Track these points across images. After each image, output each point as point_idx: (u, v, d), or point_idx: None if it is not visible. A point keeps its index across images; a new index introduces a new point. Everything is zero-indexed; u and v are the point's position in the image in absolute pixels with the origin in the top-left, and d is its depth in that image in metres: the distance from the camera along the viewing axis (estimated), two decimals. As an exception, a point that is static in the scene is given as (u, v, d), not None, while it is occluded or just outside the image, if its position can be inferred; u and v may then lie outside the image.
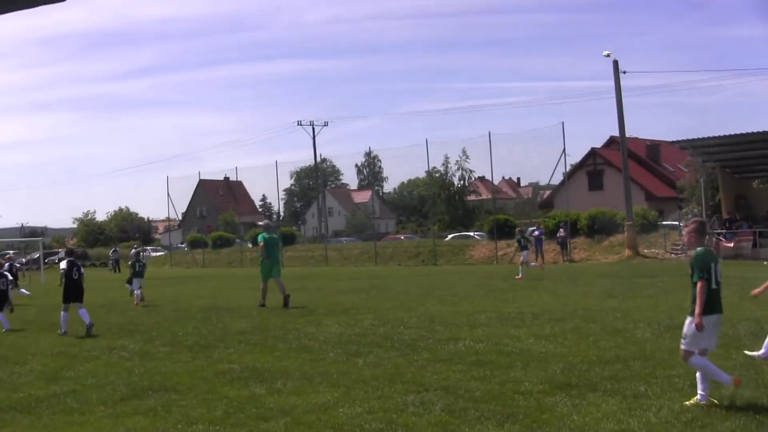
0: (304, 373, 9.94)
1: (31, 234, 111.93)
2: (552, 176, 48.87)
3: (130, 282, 23.99)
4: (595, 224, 42.91)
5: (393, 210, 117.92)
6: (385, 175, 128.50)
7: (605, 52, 40.24)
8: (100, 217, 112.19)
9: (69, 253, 18.06)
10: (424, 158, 53.17)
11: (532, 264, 30.61)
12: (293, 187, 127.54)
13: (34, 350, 13.17)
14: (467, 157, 66.74)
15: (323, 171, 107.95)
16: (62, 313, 15.61)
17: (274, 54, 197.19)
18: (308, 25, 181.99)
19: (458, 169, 68.63)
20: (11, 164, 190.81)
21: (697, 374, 7.60)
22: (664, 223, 46.16)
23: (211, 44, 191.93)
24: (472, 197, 71.83)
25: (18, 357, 12.44)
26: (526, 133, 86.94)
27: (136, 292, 22.49)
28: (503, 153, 75.26)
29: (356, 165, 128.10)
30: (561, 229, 42.18)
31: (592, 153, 65.20)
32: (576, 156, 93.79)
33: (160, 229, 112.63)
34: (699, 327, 7.48)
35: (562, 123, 47.07)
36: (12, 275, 20.88)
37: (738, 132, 36.02)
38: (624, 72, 39.39)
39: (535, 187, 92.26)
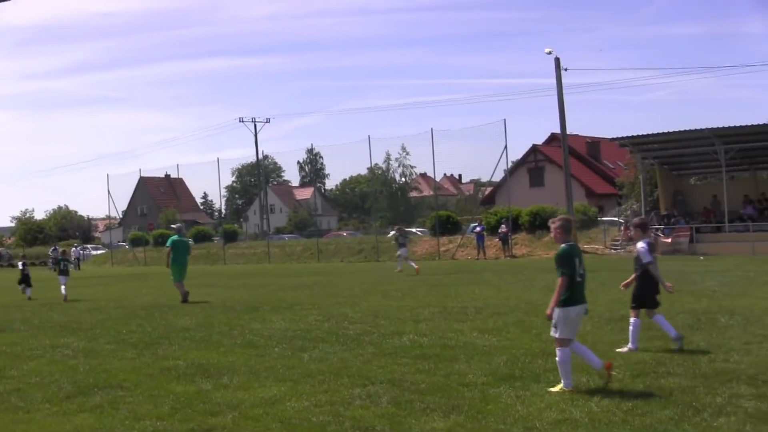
0: (250, 368, 9.96)
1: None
2: (494, 173, 49.26)
3: (20, 283, 25.15)
4: (536, 220, 43.34)
5: (335, 207, 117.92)
6: (327, 172, 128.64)
7: (547, 50, 40.52)
8: (39, 215, 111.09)
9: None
10: (366, 155, 53.56)
11: (469, 258, 30.77)
12: (235, 185, 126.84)
13: (-27, 349, 12.91)
14: (407, 153, 67.15)
15: (265, 168, 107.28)
16: None
17: (215, 50, 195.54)
18: (249, 21, 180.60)
19: (399, 165, 69.02)
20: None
21: (580, 355, 8.16)
22: (603, 219, 46.99)
23: (151, 40, 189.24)
24: (414, 194, 72.21)
25: (-44, 356, 12.18)
26: (468, 130, 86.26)
27: (62, 290, 22.99)
28: (445, 150, 75.95)
29: (298, 162, 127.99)
30: (503, 225, 42.69)
31: (534, 150, 65.88)
32: (517, 153, 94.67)
33: (101, 227, 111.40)
34: (548, 317, 8.09)
35: (504, 120, 47.40)
36: None
37: (676, 129, 36.96)
38: (566, 69, 39.76)
39: (477, 183, 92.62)
